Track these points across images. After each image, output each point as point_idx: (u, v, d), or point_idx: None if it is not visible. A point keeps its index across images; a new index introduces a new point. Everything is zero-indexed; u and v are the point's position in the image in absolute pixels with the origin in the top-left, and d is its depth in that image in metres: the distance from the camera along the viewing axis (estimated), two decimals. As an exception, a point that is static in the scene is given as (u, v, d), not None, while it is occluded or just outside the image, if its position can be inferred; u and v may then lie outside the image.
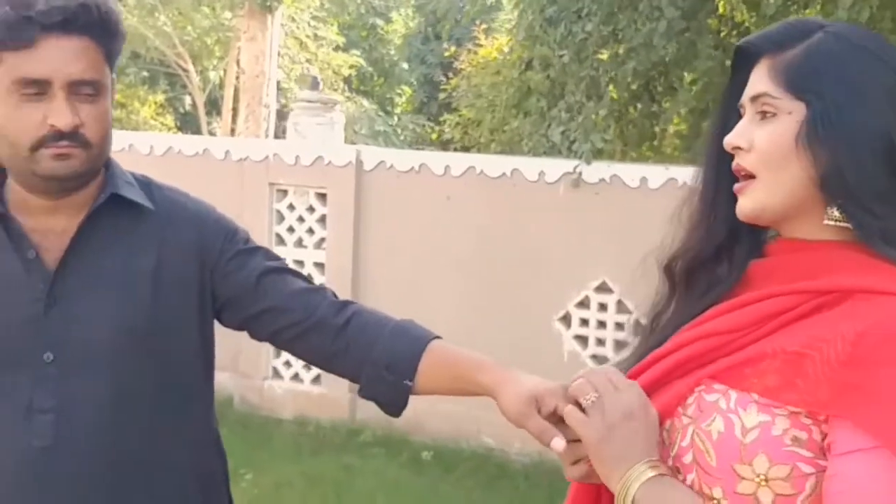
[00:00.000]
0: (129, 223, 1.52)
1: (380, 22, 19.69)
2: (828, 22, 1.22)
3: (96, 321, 1.46)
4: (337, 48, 17.94)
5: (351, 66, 17.19)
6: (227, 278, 1.56)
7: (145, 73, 16.16)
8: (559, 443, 1.26)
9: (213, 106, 18.36)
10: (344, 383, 4.59)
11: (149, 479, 1.51)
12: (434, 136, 11.57)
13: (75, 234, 1.46)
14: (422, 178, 5.15)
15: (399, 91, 18.55)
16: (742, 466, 1.09)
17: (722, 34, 5.31)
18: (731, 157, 1.22)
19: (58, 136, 1.39)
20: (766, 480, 1.08)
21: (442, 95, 11.43)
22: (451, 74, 11.33)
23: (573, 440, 1.24)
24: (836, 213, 1.15)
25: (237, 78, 15.10)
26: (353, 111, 15.08)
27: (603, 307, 4.93)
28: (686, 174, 4.82)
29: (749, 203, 1.19)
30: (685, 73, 5.82)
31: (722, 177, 1.25)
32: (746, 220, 1.22)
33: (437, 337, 1.55)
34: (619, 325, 4.90)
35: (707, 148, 1.30)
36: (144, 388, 1.50)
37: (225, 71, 16.95)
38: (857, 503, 1.02)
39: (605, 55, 5.30)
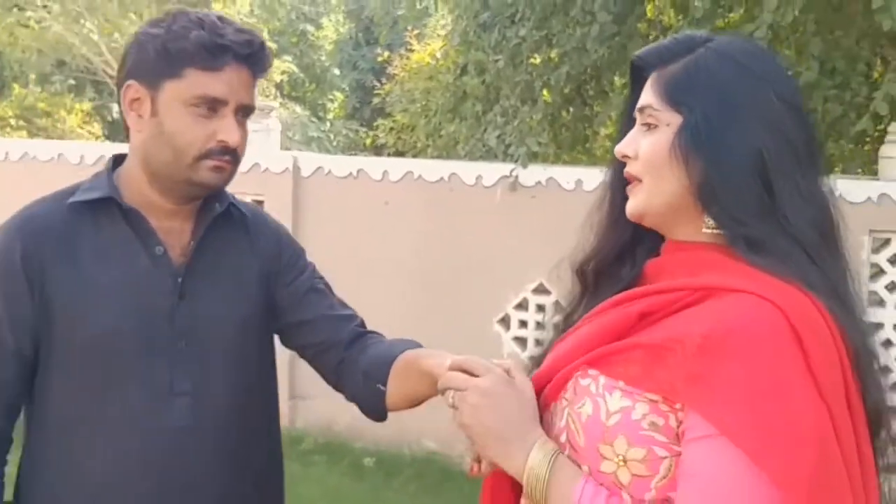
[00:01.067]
0: (235, 229, 1.71)
1: (310, 28, 19.56)
2: (715, 37, 1.28)
3: (220, 314, 1.64)
4: (268, 54, 17.72)
5: (282, 72, 17.05)
6: (285, 287, 1.75)
7: (72, 82, 15.80)
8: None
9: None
10: (282, 391, 4.55)
11: (259, 458, 1.72)
12: (368, 141, 11.55)
13: (202, 236, 1.65)
14: (360, 183, 5.15)
15: (331, 97, 18.45)
16: (605, 447, 1.17)
17: (651, 38, 5.40)
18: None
19: (223, 150, 1.56)
20: (625, 461, 1.16)
21: (375, 100, 11.41)
22: (384, 80, 11.33)
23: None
24: (710, 222, 1.23)
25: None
26: (287, 117, 14.96)
27: (541, 308, 4.98)
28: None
29: (633, 204, 1.29)
30: (616, 77, 5.91)
31: (625, 182, 1.32)
32: (632, 220, 1.31)
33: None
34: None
35: (612, 155, 1.36)
36: (255, 375, 1.71)
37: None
38: (700, 486, 1.10)
39: (537, 60, 5.35)
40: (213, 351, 1.62)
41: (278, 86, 17.08)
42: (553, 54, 5.36)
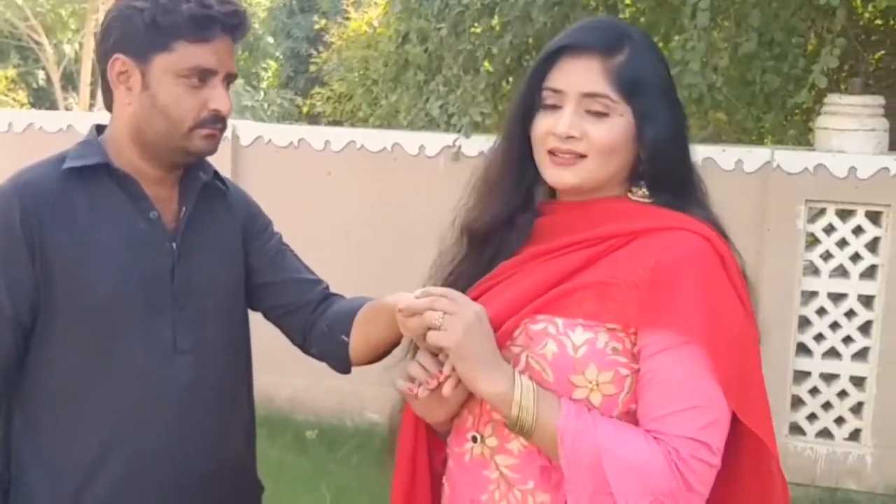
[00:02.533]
0: (216, 198, 1.77)
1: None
2: (626, 25, 1.48)
3: (213, 276, 1.71)
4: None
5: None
6: (257, 250, 1.81)
7: (-6, 47, 15.30)
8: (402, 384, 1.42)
9: (69, 81, 17.57)
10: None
11: (246, 413, 1.82)
12: (304, 110, 11.38)
13: (194, 201, 1.69)
14: (301, 153, 5.06)
15: (264, 65, 18.15)
16: (576, 377, 1.34)
17: (592, 6, 5.40)
18: (527, 133, 1.44)
19: (216, 118, 1.62)
20: (598, 384, 1.35)
21: (311, 69, 11.23)
22: (320, 48, 11.15)
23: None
24: (641, 192, 1.45)
25: (94, 51, 14.44)
26: (220, 86, 14.63)
27: (484, 278, 4.96)
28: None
29: (572, 177, 1.42)
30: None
31: (525, 149, 1.46)
32: (562, 188, 1.45)
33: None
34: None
35: (512, 124, 1.48)
36: (242, 333, 1.80)
37: (81, 44, 16.23)
38: (669, 389, 1.31)
39: (479, 29, 5.31)
40: (209, 311, 1.69)
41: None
42: (495, 23, 5.32)
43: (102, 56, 1.63)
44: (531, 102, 1.44)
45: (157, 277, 1.64)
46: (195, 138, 1.62)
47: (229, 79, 1.64)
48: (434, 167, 4.91)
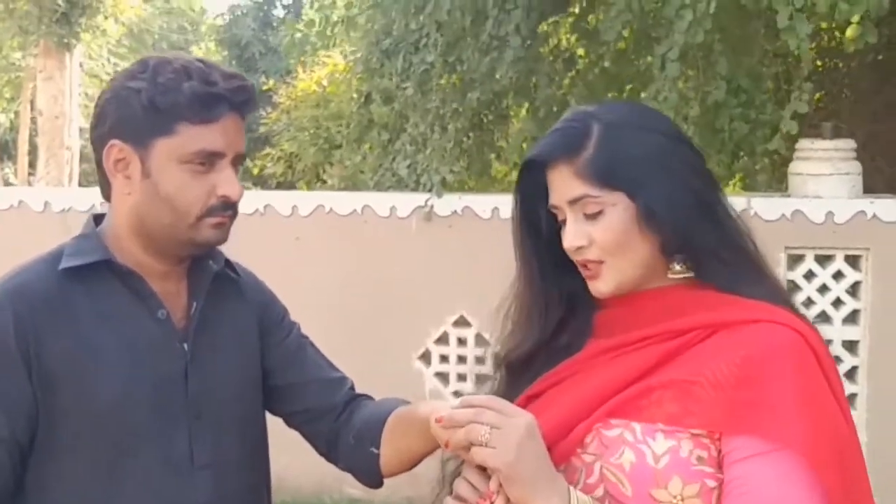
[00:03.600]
0: (229, 288, 1.61)
1: (181, 57, 19.05)
2: (593, 109, 1.37)
3: (231, 379, 1.56)
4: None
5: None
6: (275, 346, 1.66)
7: None
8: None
9: (4, 150, 17.22)
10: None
11: None
12: (255, 171, 11.27)
13: (205, 295, 1.54)
14: (268, 219, 4.89)
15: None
16: (658, 491, 1.20)
17: (556, 63, 5.38)
18: (545, 247, 1.40)
19: (226, 205, 1.47)
20: (682, 500, 1.21)
21: (261, 129, 11.14)
22: (268, 109, 11.08)
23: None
24: (679, 267, 1.34)
25: (33, 120, 14.18)
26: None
27: (462, 342, 4.83)
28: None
29: (605, 286, 1.34)
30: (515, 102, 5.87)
31: (544, 264, 1.41)
32: (603, 297, 1.36)
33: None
34: (479, 359, 4.82)
35: (520, 248, 1.43)
36: (264, 444, 1.65)
37: (17, 113, 15.92)
38: (758, 496, 1.17)
39: (444, 85, 5.24)
40: (229, 419, 1.55)
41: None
42: (457, 80, 5.25)
43: (97, 142, 1.49)
44: (532, 218, 1.41)
45: (170, 382, 1.49)
46: (203, 228, 1.47)
47: (238, 160, 1.51)
48: (406, 228, 4.78)
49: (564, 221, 1.35)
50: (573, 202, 1.32)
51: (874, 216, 4.39)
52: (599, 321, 1.40)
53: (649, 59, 5.79)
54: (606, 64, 5.76)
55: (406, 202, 4.80)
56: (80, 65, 13.85)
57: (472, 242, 4.70)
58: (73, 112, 12.80)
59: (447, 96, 5.06)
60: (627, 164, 1.31)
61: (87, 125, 15.06)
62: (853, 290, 4.51)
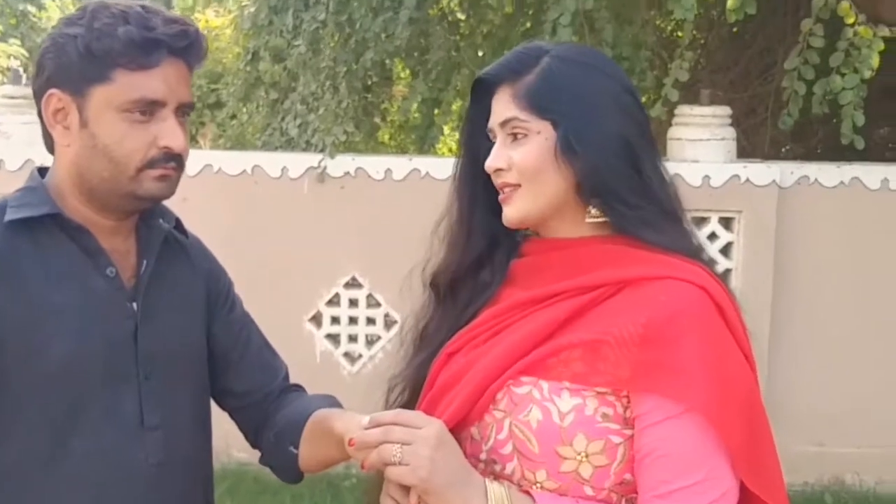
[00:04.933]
0: (177, 250, 1.57)
1: (31, 9, 18.08)
2: (550, 46, 1.40)
3: (179, 340, 1.53)
4: (-7, 37, 16.20)
5: (10, 56, 15.57)
6: (220, 319, 1.62)
7: None
8: None
9: None
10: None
11: (207, 489, 1.63)
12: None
13: (156, 254, 1.50)
14: (154, 179, 4.74)
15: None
16: (563, 447, 1.23)
17: (443, 25, 5.40)
18: (482, 175, 1.39)
19: (169, 157, 1.42)
20: (587, 456, 1.24)
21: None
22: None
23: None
24: (595, 211, 1.34)
25: None
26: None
27: (353, 303, 4.84)
28: (427, 164, 4.85)
29: (514, 212, 1.35)
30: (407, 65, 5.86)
31: (477, 193, 1.43)
32: (512, 226, 1.38)
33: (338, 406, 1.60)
34: (371, 320, 4.85)
35: (459, 170, 1.46)
36: (209, 404, 1.61)
37: None
38: (674, 463, 1.20)
39: (333, 44, 5.18)
40: (178, 380, 1.52)
41: (10, 72, 15.60)
42: (348, 39, 5.21)
43: (38, 93, 1.44)
44: (474, 143, 1.43)
45: (119, 342, 1.45)
46: (145, 181, 1.42)
47: (183, 109, 1.45)
48: (298, 189, 4.73)
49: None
50: (504, 124, 1.35)
51: (748, 180, 4.63)
52: (516, 269, 1.42)
53: (528, 24, 5.90)
54: (486, 30, 5.82)
55: (298, 163, 4.74)
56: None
57: (365, 204, 4.70)
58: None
59: (339, 56, 5.01)
60: (561, 95, 1.32)
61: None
62: (725, 250, 4.76)
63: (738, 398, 1.24)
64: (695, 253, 1.35)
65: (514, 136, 1.34)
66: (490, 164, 1.36)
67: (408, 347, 1.49)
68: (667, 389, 1.21)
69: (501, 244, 1.44)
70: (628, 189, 1.31)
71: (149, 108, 1.40)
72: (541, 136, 1.32)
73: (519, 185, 1.34)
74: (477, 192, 1.43)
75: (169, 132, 1.41)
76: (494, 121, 1.37)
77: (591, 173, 1.31)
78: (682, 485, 1.21)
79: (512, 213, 1.36)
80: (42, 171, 1.52)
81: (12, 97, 4.74)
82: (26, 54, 16.31)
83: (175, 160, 1.44)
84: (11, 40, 16.30)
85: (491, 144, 1.39)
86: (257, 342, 1.68)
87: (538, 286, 1.36)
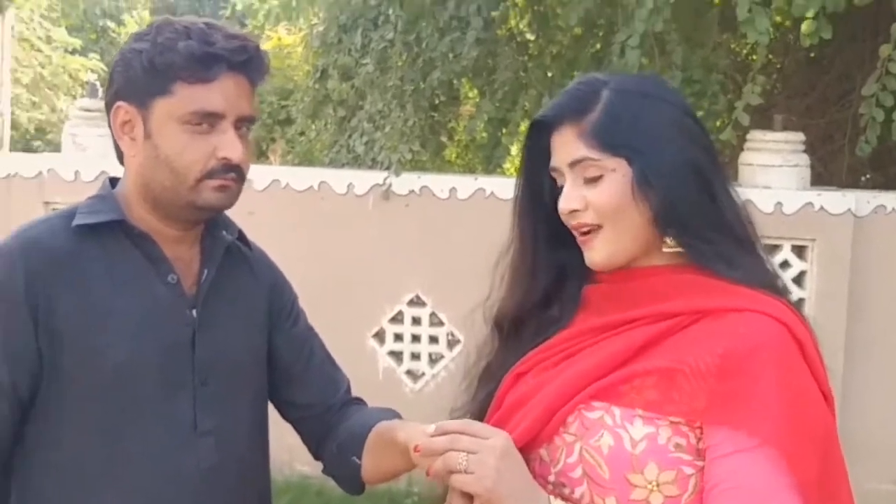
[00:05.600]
0: (239, 261, 1.60)
1: (111, 24, 18.62)
2: (607, 77, 1.37)
3: (237, 348, 1.55)
4: (73, 51, 16.72)
5: (89, 70, 16.06)
6: (283, 332, 1.64)
7: None
8: None
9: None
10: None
11: (263, 498, 1.65)
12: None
13: (217, 264, 1.53)
14: (222, 193, 4.81)
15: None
16: (634, 475, 1.22)
17: (511, 46, 5.40)
18: (544, 211, 1.40)
19: (227, 168, 1.45)
20: (658, 485, 1.22)
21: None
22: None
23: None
24: (671, 241, 1.32)
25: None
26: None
27: (416, 321, 4.83)
28: (493, 184, 4.82)
29: (599, 256, 1.33)
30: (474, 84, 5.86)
31: (539, 229, 1.42)
32: (598, 269, 1.36)
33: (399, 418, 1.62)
34: (434, 339, 4.84)
35: (519, 207, 1.44)
36: (266, 414, 1.63)
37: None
38: (742, 496, 1.18)
39: (401, 63, 5.21)
40: (233, 387, 1.54)
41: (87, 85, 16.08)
42: (415, 59, 5.23)
43: (107, 105, 1.50)
44: (535, 183, 1.42)
45: (176, 348, 1.49)
46: (204, 191, 1.45)
47: (243, 122, 1.48)
48: (363, 206, 4.75)
49: (562, 188, 1.35)
50: (573, 164, 1.32)
51: (821, 208, 4.51)
52: (590, 295, 1.40)
53: (598, 46, 5.85)
54: (555, 50, 5.80)
55: (363, 180, 4.77)
56: (12, 28, 13.40)
57: (429, 222, 4.70)
58: (4, 77, 12.40)
59: (406, 75, 5.03)
60: (631, 130, 1.31)
61: (17, 91, 14.54)
62: (798, 279, 4.64)
63: (814, 435, 1.22)
64: (771, 283, 1.34)
65: (588, 176, 1.32)
66: (564, 206, 1.33)
67: (471, 382, 1.48)
68: (740, 422, 1.20)
69: (569, 277, 1.43)
70: (703, 220, 1.30)
71: (208, 120, 1.44)
72: (616, 174, 1.30)
73: (599, 227, 1.32)
74: (538, 228, 1.42)
75: (228, 144, 1.44)
76: (561, 161, 1.34)
77: (667, 206, 1.29)
78: None
79: (597, 257, 1.34)
80: (113, 181, 1.57)
81: (89, 110, 4.86)
82: (105, 69, 16.85)
83: (234, 171, 1.46)
84: (91, 55, 16.83)
85: (550, 181, 1.38)
86: (320, 356, 1.70)
87: (613, 312, 1.35)
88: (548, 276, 1.43)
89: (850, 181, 5.72)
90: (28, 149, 15.75)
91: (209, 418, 1.50)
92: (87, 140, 4.76)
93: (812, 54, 6.29)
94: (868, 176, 6.35)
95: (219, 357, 1.52)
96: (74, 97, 14.67)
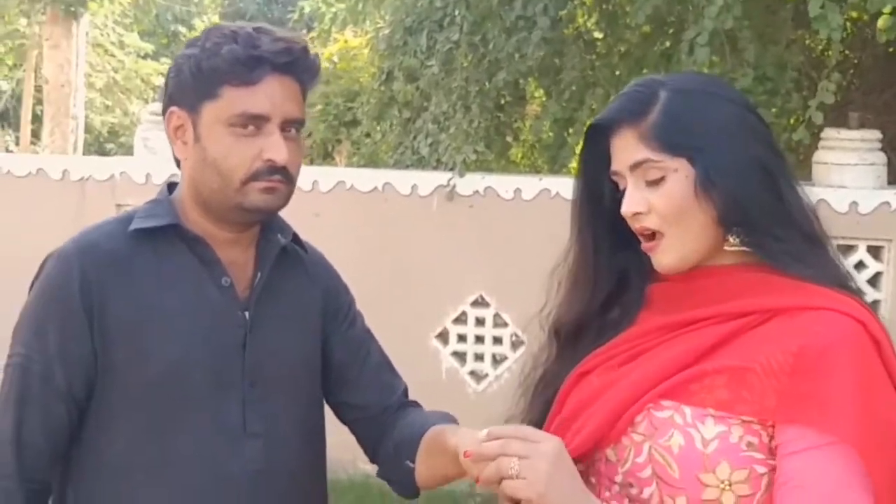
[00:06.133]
0: (295, 264, 1.60)
1: (182, 29, 18.97)
2: (664, 78, 1.36)
3: (289, 351, 1.55)
4: (146, 56, 17.10)
5: (160, 75, 16.40)
6: (339, 335, 1.64)
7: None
8: None
9: (3, 118, 17.12)
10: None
11: (317, 501, 1.64)
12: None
13: (269, 269, 1.54)
14: (289, 194, 4.86)
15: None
16: (706, 475, 1.20)
17: (579, 46, 5.35)
18: (604, 215, 1.39)
19: (272, 170, 1.44)
20: (730, 484, 1.20)
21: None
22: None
23: None
24: (734, 239, 1.30)
25: (36, 88, 14.11)
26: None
27: (480, 322, 4.82)
28: (558, 184, 4.78)
29: (667, 258, 1.31)
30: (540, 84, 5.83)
31: (599, 233, 1.40)
32: (666, 272, 1.33)
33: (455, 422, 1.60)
34: (497, 340, 4.82)
35: (578, 212, 1.42)
36: (319, 419, 1.62)
37: (19, 81, 15.82)
38: (810, 495, 1.15)
39: (466, 64, 5.20)
40: (283, 390, 1.54)
41: (159, 89, 16.43)
42: (481, 60, 5.22)
43: (163, 110, 1.54)
44: (595, 188, 1.40)
45: (227, 349, 1.50)
46: (250, 192, 1.45)
47: (291, 124, 1.48)
48: (427, 207, 4.76)
49: (625, 190, 1.33)
50: (634, 167, 1.30)
51: (898, 207, 4.38)
52: (655, 294, 1.38)
53: (667, 44, 5.76)
54: (623, 49, 5.73)
55: (428, 181, 4.78)
56: (86, 34, 13.75)
57: (493, 223, 4.69)
58: (79, 81, 12.73)
59: (471, 76, 5.02)
60: (691, 130, 1.29)
61: (91, 95, 14.91)
62: (874, 280, 4.51)
63: (890, 435, 1.18)
64: (843, 282, 1.31)
65: (650, 178, 1.30)
66: (627, 209, 1.32)
67: (527, 390, 1.46)
68: (813, 420, 1.18)
69: (632, 280, 1.41)
70: (771, 218, 1.27)
71: (253, 123, 1.44)
72: (679, 175, 1.28)
73: (662, 234, 1.31)
74: (599, 233, 1.41)
75: (273, 146, 1.44)
76: (622, 164, 1.32)
77: (733, 204, 1.27)
78: None
79: (665, 260, 1.32)
80: (173, 186, 1.59)
81: (160, 114, 4.94)
82: (176, 74, 17.17)
83: (280, 173, 1.46)
84: (163, 59, 17.17)
85: (611, 185, 1.37)
86: (376, 359, 1.69)
87: (680, 312, 1.33)
88: (610, 281, 1.42)
89: (932, 181, 5.54)
90: (101, 152, 16.17)
91: (258, 421, 1.50)
92: (159, 143, 4.84)
93: (890, 49, 6.10)
94: (951, 175, 6.13)
95: (269, 359, 1.53)
96: (146, 101, 15.01)
